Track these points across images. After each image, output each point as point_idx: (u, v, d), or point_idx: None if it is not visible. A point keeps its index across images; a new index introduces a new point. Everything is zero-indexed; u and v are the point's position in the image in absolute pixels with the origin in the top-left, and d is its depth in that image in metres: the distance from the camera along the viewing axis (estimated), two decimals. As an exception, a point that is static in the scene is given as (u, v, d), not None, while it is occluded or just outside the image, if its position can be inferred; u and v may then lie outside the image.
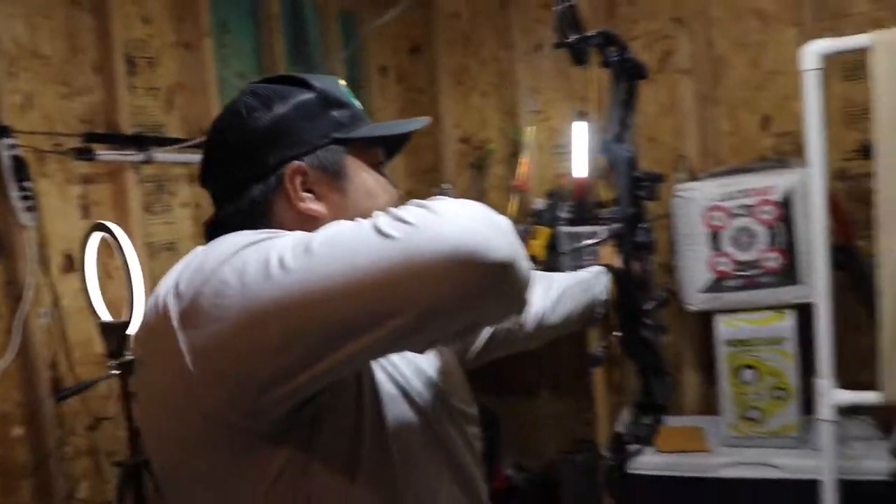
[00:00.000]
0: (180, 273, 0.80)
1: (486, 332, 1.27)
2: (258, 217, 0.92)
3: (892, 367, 2.12)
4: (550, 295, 1.33)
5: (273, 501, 0.82)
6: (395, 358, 0.97)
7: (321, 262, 0.70)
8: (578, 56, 1.24)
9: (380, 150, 1.02)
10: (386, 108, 3.73)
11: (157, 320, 0.79)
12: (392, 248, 0.67)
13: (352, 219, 0.81)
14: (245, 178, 0.92)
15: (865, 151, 2.98)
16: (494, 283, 0.68)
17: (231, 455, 0.81)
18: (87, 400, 2.27)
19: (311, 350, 0.72)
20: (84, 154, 2.21)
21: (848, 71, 2.99)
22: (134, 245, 2.06)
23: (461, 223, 0.68)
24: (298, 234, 0.75)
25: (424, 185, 3.75)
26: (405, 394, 0.95)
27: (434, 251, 0.66)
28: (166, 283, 0.81)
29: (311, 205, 0.92)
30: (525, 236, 3.29)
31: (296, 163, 0.91)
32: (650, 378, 1.25)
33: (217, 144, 0.96)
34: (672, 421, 3.09)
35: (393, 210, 0.73)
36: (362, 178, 0.97)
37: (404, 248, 0.67)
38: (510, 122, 3.60)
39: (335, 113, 0.96)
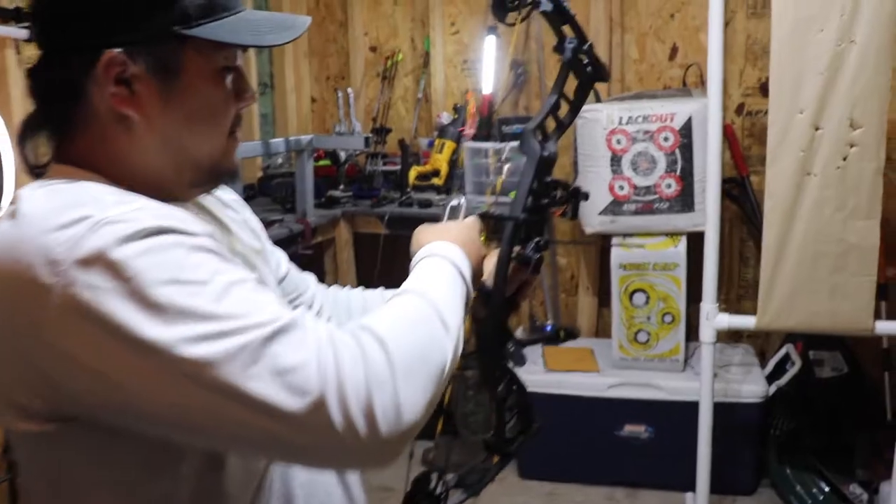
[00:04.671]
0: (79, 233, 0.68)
1: None
2: (65, 104, 0.79)
3: (768, 296, 2.20)
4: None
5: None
6: None
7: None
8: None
9: (236, 50, 0.84)
10: (294, 8, 3.55)
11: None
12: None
13: (171, 138, 0.80)
14: (56, 52, 0.79)
15: (764, 89, 3.06)
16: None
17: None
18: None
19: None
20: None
21: (752, 7, 3.03)
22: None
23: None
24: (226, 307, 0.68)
25: (330, 91, 3.64)
26: None
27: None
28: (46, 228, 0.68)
29: (124, 107, 0.78)
30: (430, 150, 3.26)
31: (114, 52, 0.76)
32: (505, 414, 1.07)
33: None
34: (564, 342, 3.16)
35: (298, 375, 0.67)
36: (200, 88, 0.81)
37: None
38: (420, 32, 3.51)
39: None
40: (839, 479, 2.74)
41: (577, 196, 1.11)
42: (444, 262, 0.92)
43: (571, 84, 1.15)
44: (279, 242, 2.70)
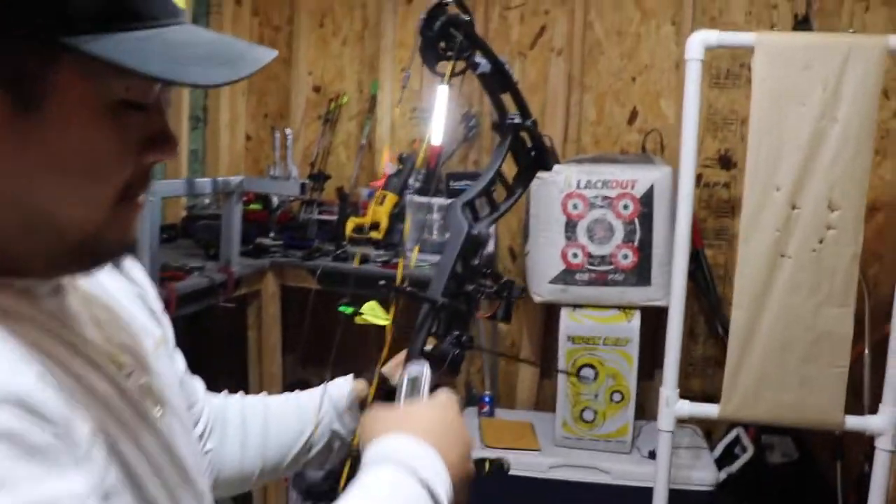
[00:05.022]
0: None
1: None
2: None
3: (733, 383, 2.04)
4: (248, 438, 0.93)
5: None
6: None
7: None
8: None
9: (152, 81, 0.57)
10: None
11: None
12: None
13: (22, 189, 0.54)
14: None
15: (723, 161, 2.97)
16: None
17: None
18: None
19: None
20: None
21: (716, 77, 2.94)
22: None
23: None
24: None
25: (267, 130, 3.40)
26: None
27: None
28: None
29: None
30: (369, 201, 3.04)
31: None
32: None
33: None
34: (503, 414, 2.95)
35: None
36: (75, 126, 0.55)
37: None
38: (368, 76, 3.32)
39: None
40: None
41: (510, 291, 0.91)
42: (407, 478, 0.63)
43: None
44: (199, 293, 2.45)
